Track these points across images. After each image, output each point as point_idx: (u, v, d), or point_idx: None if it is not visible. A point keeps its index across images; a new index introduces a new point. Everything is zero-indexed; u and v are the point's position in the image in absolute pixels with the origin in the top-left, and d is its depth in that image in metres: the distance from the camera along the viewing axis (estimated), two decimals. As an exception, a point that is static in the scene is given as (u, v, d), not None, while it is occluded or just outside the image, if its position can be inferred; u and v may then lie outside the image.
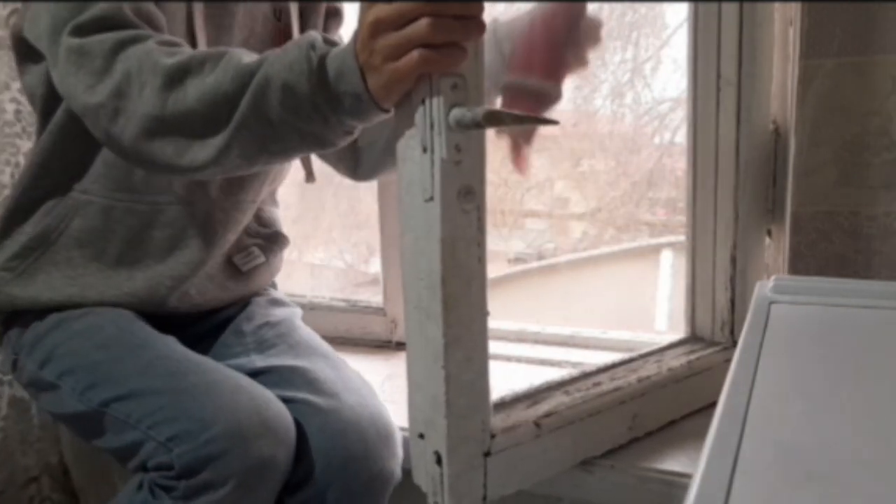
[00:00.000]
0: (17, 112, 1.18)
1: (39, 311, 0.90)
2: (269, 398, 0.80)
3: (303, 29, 0.97)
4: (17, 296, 0.89)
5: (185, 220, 0.91)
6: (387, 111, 0.66)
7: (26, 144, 1.19)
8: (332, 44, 0.67)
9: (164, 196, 0.89)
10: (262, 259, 1.03)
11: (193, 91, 0.69)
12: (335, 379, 0.88)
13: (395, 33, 0.60)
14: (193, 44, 0.85)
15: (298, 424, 0.83)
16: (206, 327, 0.99)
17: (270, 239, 1.06)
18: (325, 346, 0.98)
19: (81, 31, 0.74)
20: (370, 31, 0.61)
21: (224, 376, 0.81)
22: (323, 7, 1.01)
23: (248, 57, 0.69)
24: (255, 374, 0.89)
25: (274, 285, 1.15)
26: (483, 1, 0.61)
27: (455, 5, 0.59)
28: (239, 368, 0.89)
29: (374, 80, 0.62)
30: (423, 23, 0.59)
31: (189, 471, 0.73)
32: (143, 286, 0.90)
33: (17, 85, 1.16)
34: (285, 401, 0.83)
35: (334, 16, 1.03)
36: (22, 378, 0.92)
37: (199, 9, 0.85)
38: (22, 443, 1.26)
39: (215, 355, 0.94)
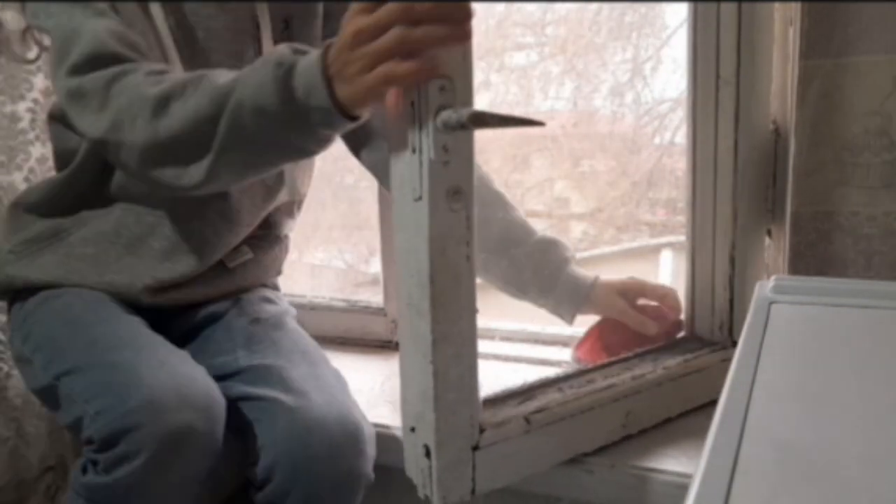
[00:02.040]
0: (33, 120, 1.25)
1: (34, 290, 0.95)
2: (193, 376, 0.81)
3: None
4: (15, 276, 0.95)
5: (178, 236, 0.94)
6: (356, 120, 0.67)
7: (39, 150, 1.26)
8: (302, 52, 0.68)
9: (164, 210, 0.94)
10: (249, 255, 1.04)
11: (178, 115, 0.72)
12: (308, 377, 0.89)
13: (368, 45, 0.61)
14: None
15: (264, 421, 0.84)
16: (196, 320, 1.01)
17: (262, 237, 1.06)
18: (308, 344, 0.98)
19: (77, 70, 0.79)
20: (350, 41, 0.62)
21: (153, 352, 0.82)
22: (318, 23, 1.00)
23: (226, 76, 0.72)
24: (238, 372, 0.91)
25: (276, 286, 1.15)
26: (470, 1, 0.61)
27: (433, 14, 0.60)
28: (225, 367, 0.91)
29: (344, 91, 0.64)
30: (391, 34, 0.60)
31: (106, 444, 0.74)
32: (125, 279, 0.94)
33: (32, 95, 1.24)
34: (256, 398, 0.85)
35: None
36: (14, 354, 0.97)
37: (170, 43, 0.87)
38: (37, 431, 1.28)
39: (204, 349, 0.96)
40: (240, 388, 0.87)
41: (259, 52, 0.93)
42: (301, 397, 0.85)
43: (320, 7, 1.00)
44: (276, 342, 0.95)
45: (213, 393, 0.81)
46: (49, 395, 0.86)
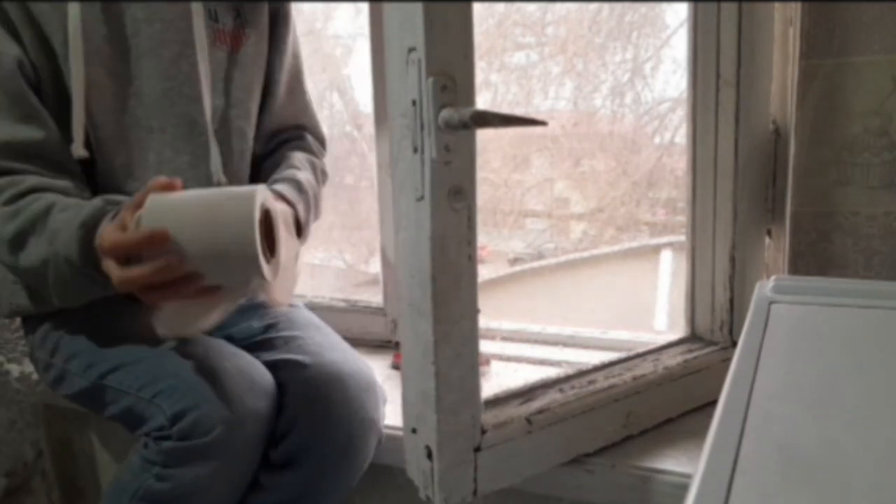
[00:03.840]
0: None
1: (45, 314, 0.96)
2: (248, 357, 0.87)
3: (242, 28, 0.99)
4: (23, 304, 0.95)
5: None
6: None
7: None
8: (115, 203, 0.78)
9: None
10: None
11: (32, 255, 0.81)
12: (322, 342, 0.94)
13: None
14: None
15: (284, 382, 0.88)
16: None
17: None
18: (320, 322, 1.03)
19: None
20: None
21: (202, 339, 0.88)
22: (265, 6, 1.02)
23: (62, 215, 0.78)
24: (256, 345, 0.94)
25: None
26: (469, 2, 0.61)
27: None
28: (244, 341, 0.95)
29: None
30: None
31: (178, 416, 0.78)
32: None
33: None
34: (274, 364, 0.89)
35: (281, 17, 1.04)
36: (40, 368, 0.99)
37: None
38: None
39: (222, 334, 0.98)
40: (260, 357, 0.91)
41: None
42: (316, 356, 0.90)
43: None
44: (291, 319, 1.00)
45: (268, 374, 0.87)
46: (91, 396, 0.90)
